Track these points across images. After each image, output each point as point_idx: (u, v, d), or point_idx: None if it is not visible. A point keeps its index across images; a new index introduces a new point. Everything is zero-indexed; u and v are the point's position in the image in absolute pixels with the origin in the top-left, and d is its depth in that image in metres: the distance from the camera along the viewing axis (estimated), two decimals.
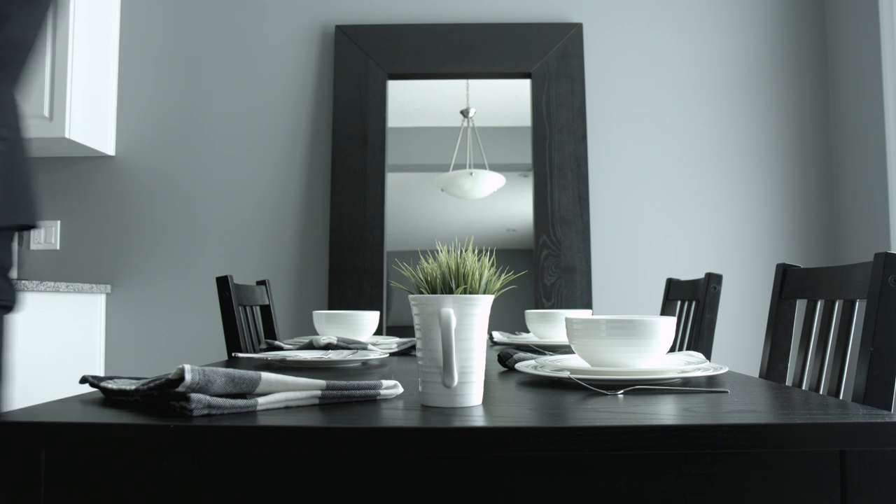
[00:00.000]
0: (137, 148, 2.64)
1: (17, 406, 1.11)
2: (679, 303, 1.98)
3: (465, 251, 1.14)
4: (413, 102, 2.68)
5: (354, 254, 2.49)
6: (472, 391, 0.78)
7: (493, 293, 1.16)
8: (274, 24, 2.67)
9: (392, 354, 1.52)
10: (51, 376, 2.27)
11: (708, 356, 1.64)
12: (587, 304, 2.45)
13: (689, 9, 2.65)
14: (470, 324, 0.78)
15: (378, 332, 2.42)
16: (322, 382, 0.77)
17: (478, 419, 0.68)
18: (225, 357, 1.66)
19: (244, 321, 1.82)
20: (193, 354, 2.52)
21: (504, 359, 1.16)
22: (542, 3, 2.65)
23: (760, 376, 1.30)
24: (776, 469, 0.66)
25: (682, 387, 0.91)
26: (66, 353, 2.36)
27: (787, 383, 1.27)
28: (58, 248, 2.61)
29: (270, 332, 2.09)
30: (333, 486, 0.65)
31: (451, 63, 2.59)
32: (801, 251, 2.55)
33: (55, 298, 2.31)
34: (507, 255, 2.58)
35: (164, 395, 0.71)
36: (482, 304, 0.81)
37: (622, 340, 0.94)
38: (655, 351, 0.95)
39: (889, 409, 0.95)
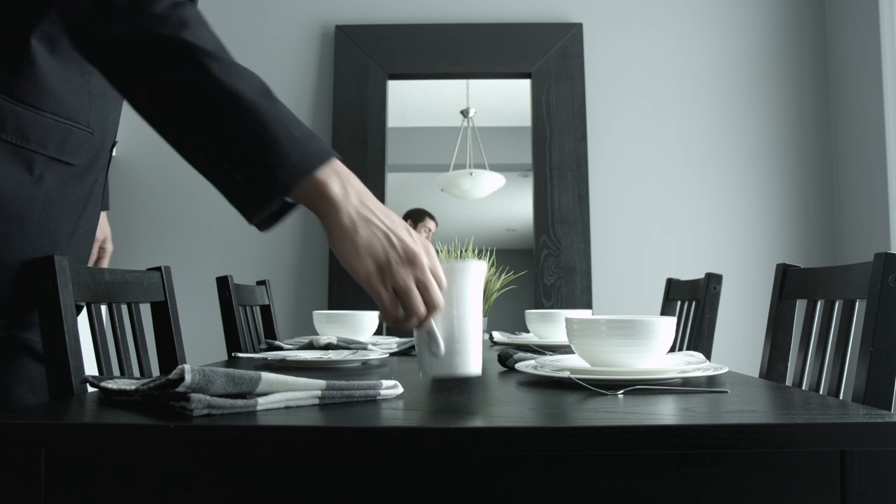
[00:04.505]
0: (137, 148, 2.64)
1: None
2: (679, 303, 1.98)
3: (465, 251, 1.14)
4: (413, 102, 2.68)
5: None
6: (466, 359, 0.77)
7: (493, 293, 1.16)
8: (274, 24, 2.67)
9: (392, 354, 1.52)
10: None
11: (708, 356, 1.64)
12: (587, 304, 2.45)
13: (689, 9, 2.65)
14: (461, 291, 0.77)
15: (378, 332, 2.42)
16: (322, 382, 0.77)
17: (478, 419, 0.68)
18: (225, 357, 1.66)
19: (244, 321, 1.82)
20: (193, 354, 2.52)
21: (504, 359, 1.16)
22: (542, 3, 2.65)
23: (760, 376, 1.30)
24: (776, 469, 0.66)
25: (682, 387, 0.91)
26: None
27: (787, 383, 1.27)
28: None
29: (270, 332, 2.09)
30: (333, 486, 0.65)
31: (451, 63, 2.59)
32: (801, 251, 2.55)
33: None
34: (507, 255, 2.58)
35: (164, 395, 0.71)
36: (473, 271, 0.79)
37: (622, 340, 0.94)
38: (655, 351, 0.95)
39: (889, 409, 0.95)
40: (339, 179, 0.76)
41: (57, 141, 0.94)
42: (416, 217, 2.65)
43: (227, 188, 0.76)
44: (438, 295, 0.77)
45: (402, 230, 0.77)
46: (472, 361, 0.79)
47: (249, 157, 0.74)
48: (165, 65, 0.78)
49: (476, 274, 0.80)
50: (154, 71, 0.78)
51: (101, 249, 1.43)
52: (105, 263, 1.43)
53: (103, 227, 1.42)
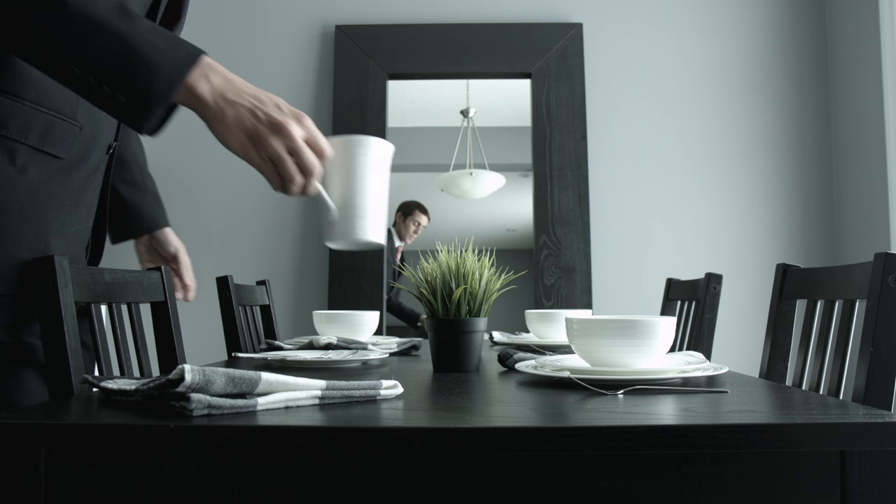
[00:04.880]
0: None
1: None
2: (679, 303, 1.98)
3: (465, 251, 1.14)
4: (413, 102, 2.68)
5: (354, 254, 2.49)
6: (362, 225, 0.89)
7: (492, 293, 1.16)
8: (274, 24, 2.67)
9: (392, 354, 1.52)
10: None
11: (708, 356, 1.64)
12: (587, 304, 2.45)
13: (689, 9, 2.65)
14: (359, 162, 0.89)
15: (378, 332, 2.42)
16: (322, 382, 0.77)
17: (478, 419, 0.68)
18: (225, 357, 1.66)
19: (244, 321, 1.82)
20: (193, 354, 2.52)
21: (504, 359, 1.16)
22: (542, 3, 2.65)
23: (760, 376, 1.30)
24: (776, 469, 0.66)
25: (682, 387, 0.91)
26: None
27: (787, 383, 1.27)
28: None
29: (270, 332, 2.09)
30: (333, 486, 0.65)
31: (451, 63, 2.59)
32: (801, 251, 2.55)
33: None
34: (507, 255, 2.58)
35: (164, 395, 0.71)
36: (373, 147, 0.90)
37: (622, 340, 0.94)
38: (655, 351, 0.95)
39: (889, 409, 0.95)
40: (206, 76, 0.84)
41: (39, 131, 0.93)
42: (405, 210, 2.64)
43: (111, 108, 0.82)
44: (311, 160, 0.85)
45: (271, 106, 0.85)
46: (369, 228, 0.89)
47: (125, 78, 0.80)
48: (20, 5, 0.79)
49: (377, 149, 0.91)
50: (11, 13, 0.80)
51: (181, 264, 1.42)
52: (189, 276, 1.42)
53: (174, 242, 1.40)
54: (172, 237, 1.39)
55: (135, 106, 0.81)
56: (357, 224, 0.89)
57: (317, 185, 0.87)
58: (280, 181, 0.86)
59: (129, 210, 1.28)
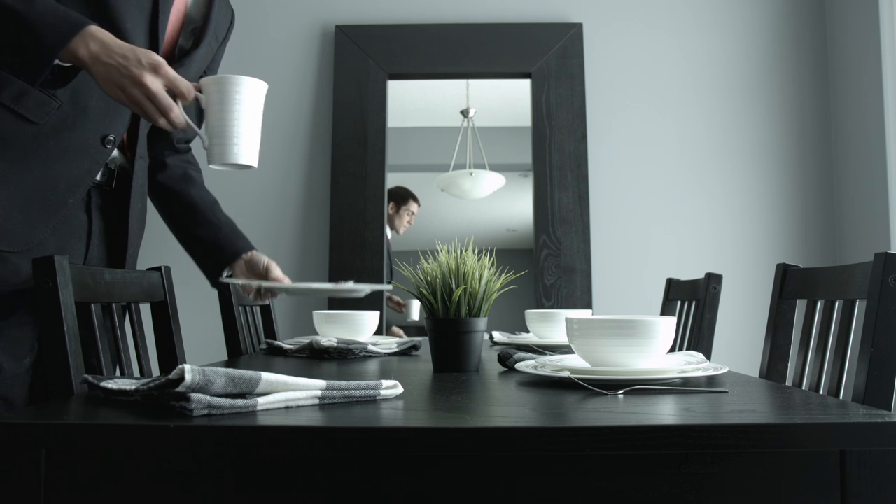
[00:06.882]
0: None
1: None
2: (679, 303, 1.98)
3: (465, 251, 1.14)
4: (413, 102, 2.68)
5: (354, 254, 2.49)
6: (231, 150, 1.06)
7: (492, 293, 1.16)
8: (274, 25, 2.67)
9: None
10: None
11: (708, 356, 1.64)
12: (587, 304, 2.45)
13: (689, 9, 2.65)
14: (234, 99, 1.07)
15: (378, 332, 2.41)
16: (322, 382, 0.77)
17: (478, 419, 0.68)
18: (225, 357, 1.66)
19: (244, 321, 1.82)
20: (193, 354, 2.52)
21: (504, 359, 1.16)
22: (542, 3, 2.65)
23: (760, 376, 1.30)
24: (776, 469, 0.66)
25: (682, 387, 0.91)
26: None
27: (787, 383, 1.27)
28: None
29: (270, 333, 2.09)
30: (333, 486, 0.65)
31: (451, 63, 2.59)
32: (801, 251, 2.55)
33: None
34: (507, 255, 2.58)
35: (164, 395, 0.71)
36: (243, 85, 1.07)
37: (622, 340, 0.94)
38: (655, 351, 0.95)
39: (889, 409, 0.95)
40: (86, 43, 1.04)
41: (13, 93, 1.08)
42: (398, 199, 2.64)
43: (13, 68, 1.04)
44: (165, 103, 1.06)
45: (133, 62, 1.04)
46: (241, 153, 1.07)
47: (19, 46, 1.02)
48: None
49: (248, 86, 1.07)
50: None
51: (274, 276, 1.49)
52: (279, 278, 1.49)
53: (262, 259, 1.50)
54: (260, 256, 1.49)
55: (28, 66, 1.03)
56: (230, 149, 1.07)
57: (183, 119, 1.07)
58: (147, 117, 1.07)
59: (209, 247, 1.45)
